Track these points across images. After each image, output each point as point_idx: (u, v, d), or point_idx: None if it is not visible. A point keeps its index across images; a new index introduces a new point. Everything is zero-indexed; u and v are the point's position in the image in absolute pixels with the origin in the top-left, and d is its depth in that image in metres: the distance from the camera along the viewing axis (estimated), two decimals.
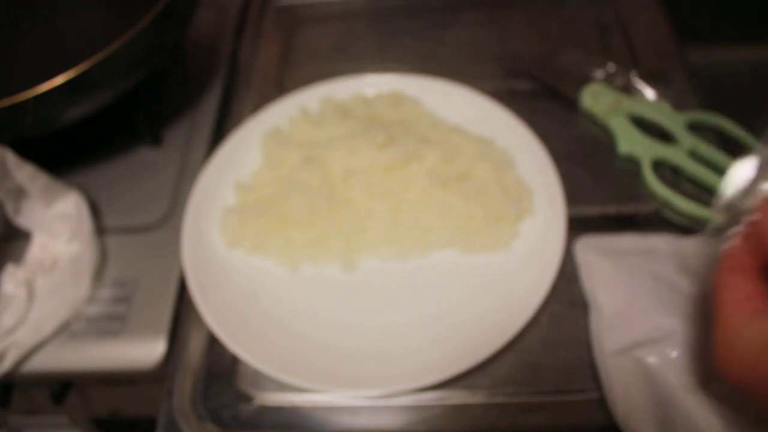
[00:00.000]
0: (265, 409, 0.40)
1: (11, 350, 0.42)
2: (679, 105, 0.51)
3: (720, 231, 0.33)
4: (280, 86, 0.58)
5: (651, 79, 0.53)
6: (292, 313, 0.43)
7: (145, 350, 0.42)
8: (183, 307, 0.44)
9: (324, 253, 0.44)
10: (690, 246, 0.42)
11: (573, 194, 0.45)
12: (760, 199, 0.30)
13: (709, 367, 0.37)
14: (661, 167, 0.48)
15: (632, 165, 0.49)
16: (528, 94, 0.54)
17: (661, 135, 0.49)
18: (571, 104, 0.53)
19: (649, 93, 0.52)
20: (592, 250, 0.43)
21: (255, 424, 0.39)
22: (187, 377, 0.41)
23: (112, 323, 0.43)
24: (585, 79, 0.53)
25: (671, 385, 0.36)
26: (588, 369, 0.39)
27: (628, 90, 0.53)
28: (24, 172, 0.45)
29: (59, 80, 0.42)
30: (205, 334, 0.43)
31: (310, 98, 0.52)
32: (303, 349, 0.41)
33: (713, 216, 0.38)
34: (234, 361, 0.41)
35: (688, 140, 0.48)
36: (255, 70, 0.60)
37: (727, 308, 0.28)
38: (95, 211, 0.49)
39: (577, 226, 0.44)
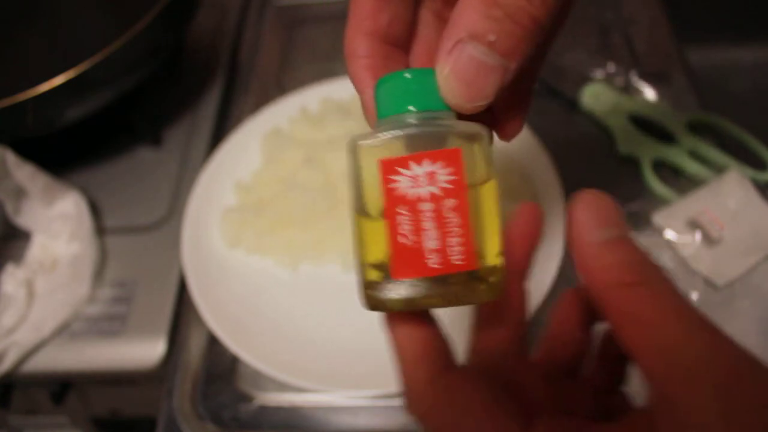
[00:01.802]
0: (265, 409, 0.40)
1: (11, 350, 0.42)
2: (679, 105, 0.51)
3: None
4: (280, 86, 0.58)
5: (651, 79, 0.53)
6: (292, 313, 0.43)
7: (145, 350, 0.42)
8: (183, 307, 0.44)
9: (324, 253, 0.44)
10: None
11: (573, 194, 0.45)
12: None
13: None
14: (661, 167, 0.48)
15: (632, 165, 0.48)
16: None
17: (661, 135, 0.49)
18: (572, 104, 0.53)
19: (649, 93, 0.52)
20: None
21: (255, 423, 0.39)
22: (187, 377, 0.41)
23: (112, 323, 0.43)
24: (585, 79, 0.53)
25: None
26: None
27: (628, 90, 0.53)
28: (24, 172, 0.45)
29: (59, 80, 0.42)
30: (205, 334, 0.43)
31: (310, 98, 0.52)
32: (303, 349, 0.41)
33: None
34: (234, 361, 0.41)
35: (688, 140, 0.48)
36: (255, 70, 0.60)
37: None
38: (95, 211, 0.49)
39: None
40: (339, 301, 0.43)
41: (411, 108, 0.19)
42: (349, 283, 0.44)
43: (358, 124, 0.49)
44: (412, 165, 0.18)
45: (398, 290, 0.18)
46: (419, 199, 0.18)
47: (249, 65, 0.61)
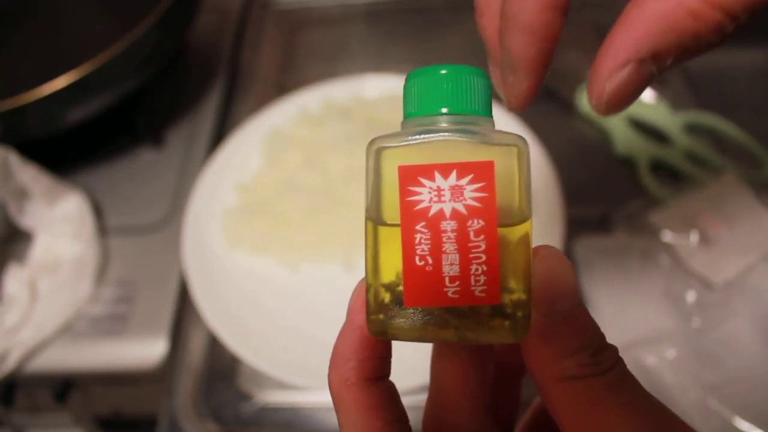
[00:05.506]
0: (266, 408, 0.40)
1: (14, 350, 0.42)
2: (676, 106, 0.51)
3: None
4: (281, 88, 0.58)
5: None
6: (292, 313, 0.43)
7: (147, 349, 0.43)
8: (184, 307, 0.45)
9: (324, 253, 0.45)
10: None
11: (571, 195, 0.45)
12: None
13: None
14: (658, 168, 0.48)
15: (629, 166, 0.49)
16: None
17: (658, 136, 0.50)
18: (569, 106, 0.53)
19: (647, 94, 0.53)
20: (591, 251, 0.43)
21: (255, 422, 0.40)
22: (188, 376, 0.42)
23: (114, 323, 0.44)
24: (583, 81, 0.53)
25: (669, 385, 0.37)
26: None
27: None
28: (27, 173, 0.45)
29: (61, 83, 0.42)
30: (206, 334, 0.43)
31: (311, 99, 0.53)
32: (303, 349, 0.41)
33: None
34: (235, 360, 0.42)
35: (684, 141, 0.48)
36: (255, 72, 0.60)
37: None
38: (97, 211, 0.50)
39: (576, 226, 0.44)
40: (339, 301, 0.43)
41: (444, 110, 0.16)
42: (349, 283, 0.44)
43: (358, 125, 0.49)
44: (437, 175, 0.15)
45: (409, 318, 0.15)
46: (441, 216, 0.15)
47: (250, 67, 0.61)
